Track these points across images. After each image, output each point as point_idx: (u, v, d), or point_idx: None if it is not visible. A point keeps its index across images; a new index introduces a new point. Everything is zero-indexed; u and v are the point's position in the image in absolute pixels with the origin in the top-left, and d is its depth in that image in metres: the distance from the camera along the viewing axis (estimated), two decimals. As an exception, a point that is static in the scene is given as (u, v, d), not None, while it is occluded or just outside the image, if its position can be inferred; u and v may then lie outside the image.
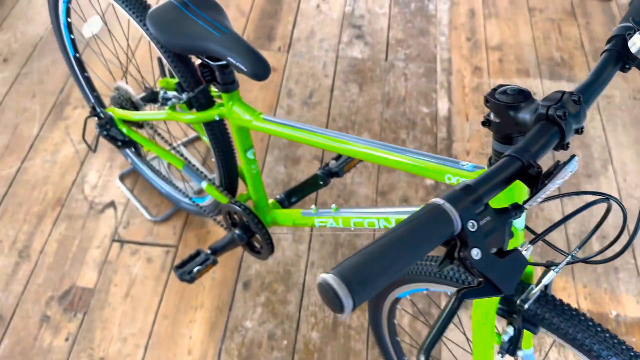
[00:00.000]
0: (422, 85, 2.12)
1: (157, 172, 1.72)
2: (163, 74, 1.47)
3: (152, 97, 1.44)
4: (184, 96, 1.15)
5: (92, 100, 1.70)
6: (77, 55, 1.61)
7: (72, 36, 1.56)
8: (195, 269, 1.41)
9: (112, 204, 1.77)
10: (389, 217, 0.92)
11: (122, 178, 1.82)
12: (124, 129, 1.44)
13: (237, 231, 1.30)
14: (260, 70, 0.97)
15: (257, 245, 1.34)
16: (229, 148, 1.28)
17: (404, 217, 0.92)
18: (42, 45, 2.21)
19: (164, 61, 1.20)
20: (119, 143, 1.48)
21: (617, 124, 2.02)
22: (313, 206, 1.14)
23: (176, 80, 1.42)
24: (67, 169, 1.84)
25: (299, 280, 1.62)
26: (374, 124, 2.00)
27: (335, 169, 1.21)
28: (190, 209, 1.65)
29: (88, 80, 1.68)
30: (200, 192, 1.75)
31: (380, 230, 1.05)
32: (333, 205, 1.07)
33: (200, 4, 1.06)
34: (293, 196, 1.32)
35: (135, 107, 1.42)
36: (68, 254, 1.66)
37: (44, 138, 1.92)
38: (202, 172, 1.37)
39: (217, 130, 1.24)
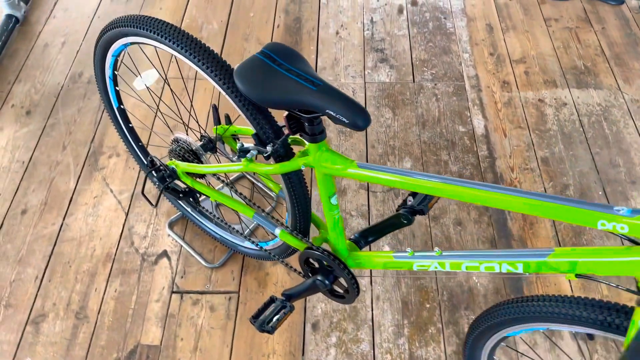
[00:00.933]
0: (454, 104, 2.12)
1: (209, 218, 1.69)
2: (218, 122, 1.45)
3: (211, 146, 1.42)
4: (269, 148, 1.12)
5: (138, 151, 1.66)
6: (122, 106, 1.57)
7: (118, 88, 1.52)
8: (275, 318, 1.38)
9: (165, 254, 1.72)
10: (513, 261, 0.90)
11: (171, 226, 1.78)
12: (188, 181, 1.40)
13: (319, 277, 1.27)
14: (360, 121, 0.95)
15: (339, 290, 1.31)
16: (306, 195, 1.25)
17: (529, 260, 0.92)
18: (64, 94, 2.16)
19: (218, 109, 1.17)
20: (180, 195, 1.45)
21: (651, 128, 2.05)
22: (408, 249, 1.12)
23: (232, 127, 1.39)
24: (112, 222, 1.79)
25: (367, 316, 1.60)
26: (414, 147, 1.99)
27: (418, 206, 1.19)
28: (252, 253, 1.62)
29: (132, 131, 1.64)
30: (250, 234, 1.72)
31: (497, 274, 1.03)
32: (436, 249, 1.05)
33: (285, 56, 1.04)
34: (370, 236, 1.30)
35: (197, 158, 1.39)
36: (127, 311, 1.61)
37: (82, 191, 1.87)
38: (274, 218, 1.34)
39: (295, 179, 1.21)
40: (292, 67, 1.02)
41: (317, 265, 1.32)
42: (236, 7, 2.49)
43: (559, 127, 2.05)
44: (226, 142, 1.44)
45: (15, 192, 1.87)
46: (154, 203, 1.59)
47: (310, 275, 1.35)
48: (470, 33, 2.39)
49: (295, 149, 1.20)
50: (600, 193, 1.87)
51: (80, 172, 1.92)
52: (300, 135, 1.09)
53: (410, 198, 1.26)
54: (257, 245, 1.50)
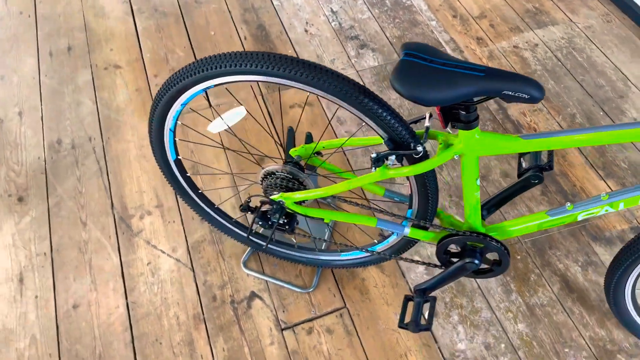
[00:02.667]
0: (446, 69, 2.21)
1: (291, 244, 1.62)
2: (293, 144, 1.40)
3: (300, 167, 1.36)
4: (421, 148, 1.10)
5: (197, 199, 1.53)
6: (179, 157, 1.44)
7: (177, 139, 1.39)
8: (427, 314, 1.38)
9: (254, 295, 1.62)
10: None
11: (246, 265, 1.67)
12: (300, 210, 1.33)
13: (467, 260, 1.29)
14: (537, 92, 0.98)
15: (485, 265, 1.34)
16: (436, 186, 1.25)
17: None
18: (52, 167, 1.91)
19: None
20: (288, 228, 1.37)
21: (611, 47, 2.29)
22: (567, 203, 1.18)
23: (316, 144, 1.35)
24: (181, 282, 1.65)
25: (473, 286, 1.64)
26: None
27: (547, 163, 1.25)
28: (352, 263, 1.58)
29: (189, 181, 1.51)
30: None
31: None
32: (602, 194, 1.12)
33: (428, 52, 1.03)
34: (492, 207, 1.34)
35: (301, 183, 1.32)
36: (247, 365, 1.50)
37: (131, 263, 1.69)
38: (397, 217, 1.33)
39: (430, 173, 1.21)
40: (445, 60, 1.01)
41: (458, 250, 1.34)
42: (192, 30, 2.36)
43: (542, 66, 2.23)
44: (309, 161, 1.39)
45: (54, 288, 1.64)
46: (263, 244, 1.47)
47: (449, 263, 1.36)
48: (426, 2, 2.48)
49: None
50: (601, 114, 2.08)
51: (118, 244, 1.73)
52: (452, 126, 1.09)
53: (522, 160, 1.31)
54: (366, 251, 1.47)
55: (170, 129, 1.36)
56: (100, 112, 2.07)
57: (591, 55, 2.26)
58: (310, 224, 1.56)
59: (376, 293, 1.63)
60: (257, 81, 1.14)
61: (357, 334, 1.56)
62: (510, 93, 0.98)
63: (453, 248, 1.35)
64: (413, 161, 1.18)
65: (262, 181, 1.37)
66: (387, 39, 2.33)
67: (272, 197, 1.32)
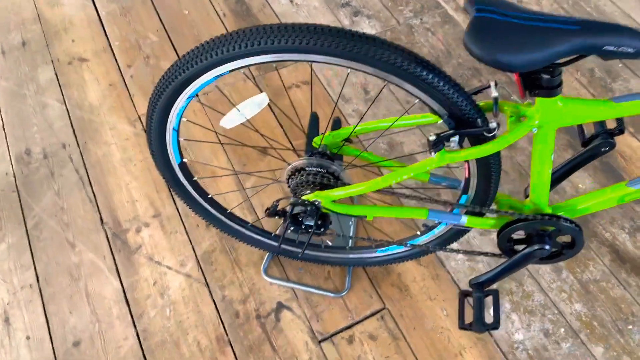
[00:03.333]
0: (451, 31, 2.03)
1: (318, 245, 1.43)
2: (317, 131, 1.21)
3: (330, 159, 1.16)
4: (494, 124, 0.92)
5: (206, 204, 1.32)
6: (184, 160, 1.22)
7: (181, 139, 1.17)
8: (492, 311, 1.22)
9: (282, 306, 1.43)
10: None
11: (267, 272, 1.48)
12: (339, 209, 1.13)
13: (536, 246, 1.13)
14: (641, 43, 0.80)
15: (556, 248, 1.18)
16: (500, 165, 1.08)
17: None
18: (23, 183, 1.65)
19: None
20: (322, 230, 1.17)
21: (618, -7, 2.15)
22: (655, 172, 1.03)
23: (344, 130, 1.16)
24: (196, 301, 1.44)
25: (521, 270, 1.49)
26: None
27: (614, 128, 1.09)
28: (389, 259, 1.40)
29: (196, 185, 1.29)
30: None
31: None
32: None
33: (503, 5, 0.84)
34: (554, 183, 1.18)
35: (337, 178, 1.12)
36: (287, 388, 1.32)
37: (134, 285, 1.47)
38: (449, 204, 1.15)
39: (495, 154, 1.03)
40: (527, 14, 0.82)
41: (528, 234, 1.17)
42: (163, 10, 2.09)
43: (551, 20, 2.07)
44: (340, 151, 1.19)
45: (48, 325, 1.41)
46: (299, 252, 1.27)
47: (511, 251, 1.20)
48: (416, -41, 2.28)
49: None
50: (620, 65, 1.94)
51: (116, 265, 1.50)
52: (531, 95, 0.91)
53: (597, 126, 1.14)
54: (407, 244, 1.29)
55: (174, 128, 1.13)
56: (71, 114, 1.81)
57: (598, 5, 2.11)
58: (335, 221, 1.38)
59: (416, 288, 1.46)
60: (289, 60, 0.93)
61: (404, 336, 1.39)
62: (613, 48, 0.80)
63: (519, 234, 1.18)
64: (477, 141, 1.00)
65: (289, 180, 1.16)
66: (382, 3, 2.12)
67: (304, 197, 1.13)
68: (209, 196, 1.34)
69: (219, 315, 1.42)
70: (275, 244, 1.44)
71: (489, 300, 1.26)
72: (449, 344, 1.38)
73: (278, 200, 1.16)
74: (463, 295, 1.27)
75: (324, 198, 1.11)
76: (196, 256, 1.52)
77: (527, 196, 1.21)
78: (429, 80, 0.93)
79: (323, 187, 1.13)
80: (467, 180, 1.12)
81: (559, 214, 1.13)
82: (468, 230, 1.26)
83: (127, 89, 1.87)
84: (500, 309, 1.43)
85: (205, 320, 1.42)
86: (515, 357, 1.36)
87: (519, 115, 0.96)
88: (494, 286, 1.28)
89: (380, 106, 1.82)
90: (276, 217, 1.19)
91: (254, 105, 1.08)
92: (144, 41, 2.00)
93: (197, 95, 1.06)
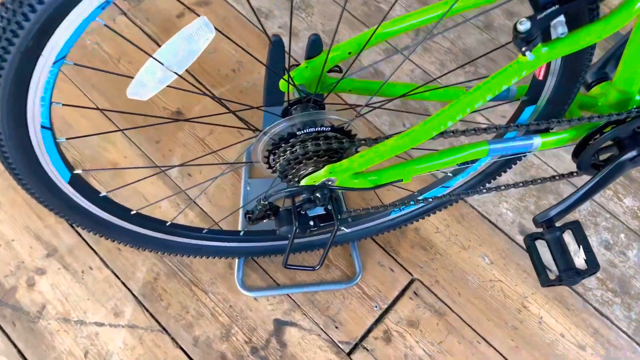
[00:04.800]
0: None
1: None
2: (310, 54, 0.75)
3: (320, 106, 0.72)
4: None
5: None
6: (77, 172, 0.71)
7: (60, 139, 0.65)
8: (582, 249, 0.89)
9: (281, 324, 1.01)
10: None
11: (245, 285, 1.03)
12: (362, 185, 0.70)
13: (635, 152, 0.79)
14: None
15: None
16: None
17: None
18: None
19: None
20: (339, 216, 0.74)
21: None
22: None
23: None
24: (156, 357, 0.98)
25: (544, 184, 1.18)
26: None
27: None
28: (406, 219, 1.01)
29: (106, 202, 0.79)
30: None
31: None
32: None
33: None
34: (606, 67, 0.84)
35: (349, 136, 0.68)
36: None
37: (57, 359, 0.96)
38: (508, 127, 0.77)
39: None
40: None
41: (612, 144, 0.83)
42: None
43: None
44: (319, 89, 0.74)
45: None
46: (316, 266, 0.80)
47: (594, 167, 0.86)
48: None
49: None
50: None
51: (15, 346, 0.97)
52: None
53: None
54: (423, 198, 0.90)
55: (42, 125, 0.61)
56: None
57: None
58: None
59: (442, 240, 1.11)
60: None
61: (450, 308, 1.05)
62: None
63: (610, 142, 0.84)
64: (575, 22, 0.60)
65: (270, 160, 0.70)
66: None
67: (305, 180, 0.68)
68: (132, 212, 0.84)
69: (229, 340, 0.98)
70: (248, 244, 1.00)
71: (567, 238, 0.94)
72: (507, 298, 1.07)
73: (266, 198, 0.71)
74: (531, 240, 0.93)
75: (341, 172, 0.68)
76: (133, 294, 1.03)
77: (589, 86, 0.86)
78: None
79: (331, 155, 0.69)
80: (538, 84, 0.74)
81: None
82: (520, 158, 0.89)
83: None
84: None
85: (181, 381, 0.97)
86: (585, 287, 1.08)
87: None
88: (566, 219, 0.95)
89: (317, 10, 1.35)
90: (265, 220, 0.74)
91: (185, 44, 0.57)
92: None
93: (64, 59, 0.54)
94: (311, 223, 0.71)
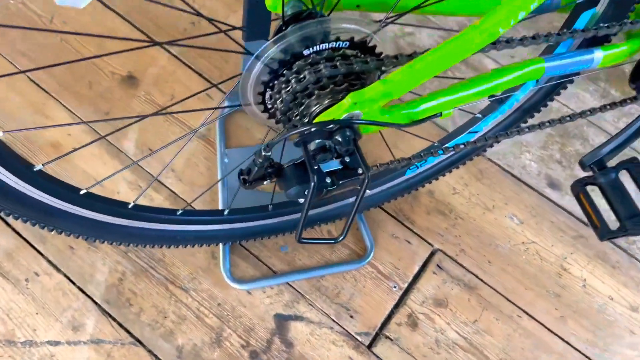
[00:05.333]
0: None
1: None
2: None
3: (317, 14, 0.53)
4: None
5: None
6: (40, 167, 0.51)
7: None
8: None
9: (283, 319, 0.82)
10: None
11: (234, 277, 0.83)
12: (393, 119, 0.52)
13: None
14: None
15: None
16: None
17: None
18: None
19: None
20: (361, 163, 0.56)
21: None
22: None
23: None
24: (133, 381, 0.77)
25: (571, 123, 1.03)
26: None
27: None
28: (425, 176, 0.84)
29: (49, 183, 0.58)
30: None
31: None
32: None
33: None
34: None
35: (373, 51, 0.50)
36: None
37: (-4, 405, 0.75)
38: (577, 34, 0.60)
39: None
40: None
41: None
42: None
43: None
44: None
45: None
46: (339, 237, 0.61)
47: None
48: None
49: None
50: None
51: (-58, 384, 0.76)
52: None
53: None
54: (461, 145, 0.73)
55: None
56: None
57: None
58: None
59: (462, 202, 0.94)
60: None
61: (481, 280, 0.88)
62: None
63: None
64: None
65: (266, 99, 0.51)
66: None
67: (320, 116, 0.49)
68: (82, 192, 0.63)
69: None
70: (234, 225, 0.80)
71: (625, 179, 0.78)
72: (544, 262, 0.91)
73: (268, 147, 0.51)
74: (582, 185, 0.77)
75: (369, 103, 0.49)
76: (94, 301, 0.82)
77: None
78: None
79: (351, 83, 0.50)
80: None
81: None
82: (572, 81, 0.73)
83: None
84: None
85: (166, 405, 0.77)
86: (628, 239, 0.94)
87: None
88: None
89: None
90: (265, 182, 0.55)
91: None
92: None
93: None
94: (328, 180, 0.52)
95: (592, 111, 0.76)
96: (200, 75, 1.00)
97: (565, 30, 0.58)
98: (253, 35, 0.63)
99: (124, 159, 0.92)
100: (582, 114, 0.73)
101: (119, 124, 0.93)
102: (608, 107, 0.77)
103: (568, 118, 0.70)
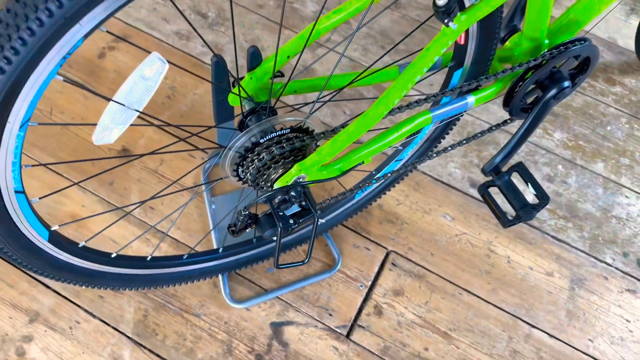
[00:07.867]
0: None
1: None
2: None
3: (272, 112, 0.76)
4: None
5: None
6: (54, 229, 0.71)
7: (33, 200, 0.66)
8: (530, 188, 0.98)
9: (278, 326, 1.04)
10: None
11: (233, 298, 1.06)
12: (330, 175, 0.74)
13: (554, 89, 0.88)
14: None
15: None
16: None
17: None
18: None
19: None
20: (315, 210, 0.79)
21: None
22: None
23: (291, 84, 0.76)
24: (168, 392, 0.98)
25: (466, 121, 1.28)
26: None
27: None
28: (369, 198, 1.07)
29: (85, 251, 0.80)
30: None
31: None
32: None
33: None
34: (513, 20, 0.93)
35: (307, 133, 0.73)
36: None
37: None
38: (450, 94, 0.84)
39: None
40: None
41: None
42: None
43: None
44: (264, 98, 0.79)
45: None
46: (304, 259, 0.84)
47: (522, 111, 0.95)
48: None
49: None
50: None
51: (19, 419, 0.96)
52: None
53: None
54: (388, 174, 0.97)
55: (16, 190, 0.62)
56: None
57: None
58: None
59: (405, 210, 1.18)
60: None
61: (427, 269, 1.12)
62: None
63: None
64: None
65: (240, 171, 0.74)
66: None
67: (278, 181, 0.72)
68: (113, 256, 0.85)
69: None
70: (228, 259, 1.02)
71: (515, 179, 1.02)
72: (474, 248, 1.15)
73: (246, 208, 0.74)
74: (485, 188, 1.01)
75: (309, 168, 0.72)
76: (127, 336, 1.03)
77: (503, 40, 0.95)
78: None
79: (296, 155, 0.74)
80: (461, 49, 0.81)
81: (564, 39, 0.89)
82: (459, 119, 0.97)
83: None
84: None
85: (197, 406, 0.99)
86: (539, 220, 1.19)
87: None
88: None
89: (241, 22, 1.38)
90: (247, 229, 0.77)
91: (141, 81, 0.59)
92: None
93: (29, 121, 0.56)
94: (291, 221, 0.75)
95: (482, 133, 1.01)
96: (185, 141, 1.22)
97: (439, 92, 0.82)
98: (221, 121, 0.85)
99: (132, 219, 1.14)
100: (472, 138, 0.97)
101: (128, 194, 1.14)
102: (494, 128, 1.02)
103: (457, 144, 0.95)
